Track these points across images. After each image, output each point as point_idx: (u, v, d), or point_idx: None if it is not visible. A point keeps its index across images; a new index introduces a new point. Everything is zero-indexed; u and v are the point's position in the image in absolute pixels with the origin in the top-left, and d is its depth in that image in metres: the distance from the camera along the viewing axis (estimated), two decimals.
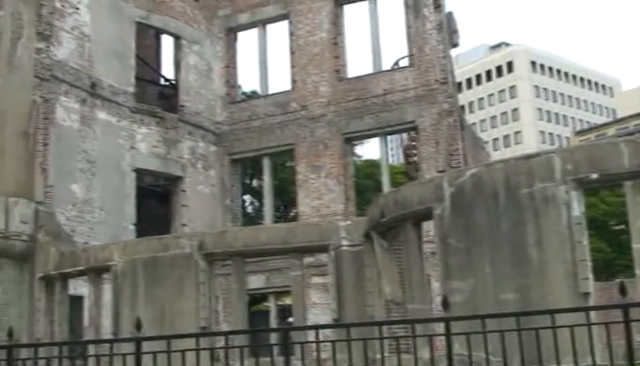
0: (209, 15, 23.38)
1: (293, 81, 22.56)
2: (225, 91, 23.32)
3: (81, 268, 14.26)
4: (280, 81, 23.50)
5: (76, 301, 15.65)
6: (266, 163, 22.90)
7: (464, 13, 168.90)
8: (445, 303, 5.81)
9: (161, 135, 20.79)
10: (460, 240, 10.15)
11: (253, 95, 28.13)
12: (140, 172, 20.19)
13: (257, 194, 34.68)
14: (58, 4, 18.52)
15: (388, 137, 22.92)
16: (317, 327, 6.51)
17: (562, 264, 9.46)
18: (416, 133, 21.48)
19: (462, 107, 73.33)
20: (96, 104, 18.99)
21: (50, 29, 18.13)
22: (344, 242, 12.77)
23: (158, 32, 23.67)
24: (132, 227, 19.11)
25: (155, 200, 21.81)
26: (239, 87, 26.19)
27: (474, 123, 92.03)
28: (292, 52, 22.71)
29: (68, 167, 17.85)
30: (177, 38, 22.48)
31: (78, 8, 19.10)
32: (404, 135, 26.39)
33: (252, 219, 33.37)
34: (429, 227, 11.47)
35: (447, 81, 20.80)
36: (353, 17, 23.39)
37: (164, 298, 12.98)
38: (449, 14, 21.65)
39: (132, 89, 20.22)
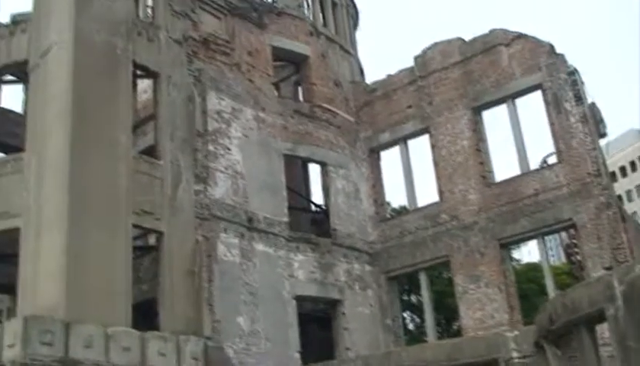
0: (351, 139, 24.10)
1: (441, 192, 22.54)
2: (374, 210, 23.61)
3: None
4: (428, 193, 23.50)
5: None
6: (422, 278, 22.66)
7: (606, 101, 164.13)
8: None
9: (317, 260, 21.17)
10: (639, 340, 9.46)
11: (402, 211, 28.28)
12: (300, 299, 20.50)
13: (417, 309, 34.16)
14: (211, 148, 19.78)
15: (547, 238, 22.17)
16: None
17: None
18: (575, 231, 20.67)
19: (620, 197, 69.98)
20: (254, 237, 19.75)
21: (206, 171, 19.33)
22: (514, 354, 12.27)
23: (305, 161, 24.63)
24: (297, 355, 19.26)
25: (317, 325, 21.96)
26: (388, 204, 26.48)
27: (635, 212, 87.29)
28: (436, 164, 22.83)
29: (232, 301, 18.46)
30: (323, 165, 23.24)
31: (229, 149, 20.29)
32: (564, 233, 25.46)
33: (414, 336, 32.74)
34: (603, 329, 10.81)
35: (600, 173, 20.08)
36: (494, 120, 23.32)
37: None
38: (592, 104, 21.15)
39: (286, 219, 20.91)
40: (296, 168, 25.34)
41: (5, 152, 19.00)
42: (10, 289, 18.16)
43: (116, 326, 15.37)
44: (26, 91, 20.33)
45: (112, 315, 15.64)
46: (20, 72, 18.98)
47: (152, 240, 19.24)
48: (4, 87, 20.41)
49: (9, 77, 19.98)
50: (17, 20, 18.75)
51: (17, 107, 21.38)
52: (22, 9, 19.02)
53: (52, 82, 17.19)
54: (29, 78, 18.20)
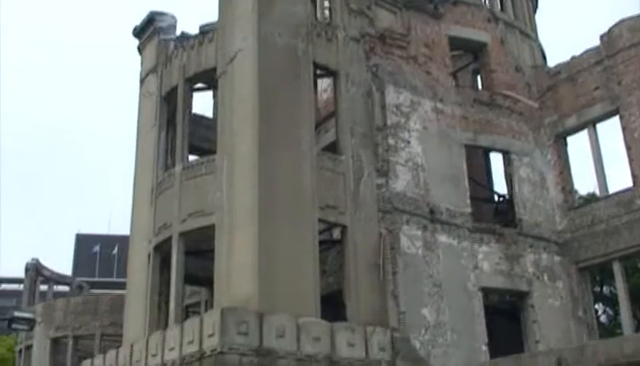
0: (534, 126, 23.27)
1: (634, 177, 21.21)
2: (562, 199, 22.67)
3: None
4: (620, 178, 22.22)
5: None
6: (616, 268, 21.42)
7: None
8: None
9: (503, 251, 20.68)
10: None
11: (592, 198, 26.94)
12: (486, 291, 20.17)
13: (609, 301, 32.41)
14: (391, 141, 19.93)
15: None
16: None
17: None
18: None
19: None
20: (436, 229, 19.67)
21: (387, 164, 19.51)
22: None
23: (487, 150, 24.14)
24: (484, 348, 18.98)
25: (504, 318, 21.49)
26: (576, 192, 25.33)
27: None
28: (628, 147, 21.50)
29: (416, 292, 18.54)
30: (505, 153, 22.66)
31: (409, 142, 20.34)
32: None
33: (607, 329, 31.08)
34: None
35: None
36: None
37: None
38: None
39: (468, 210, 20.62)
40: (477, 158, 24.88)
41: (200, 155, 20.26)
42: (207, 282, 19.40)
43: (305, 317, 15.98)
44: (215, 96, 21.55)
45: (302, 306, 16.26)
46: (210, 79, 20.12)
47: (336, 234, 19.74)
48: (195, 94, 21.69)
49: (199, 84, 21.21)
50: (205, 31, 19.93)
51: (208, 113, 22.69)
52: (209, 19, 20.18)
53: (240, 87, 18.11)
54: (218, 85, 19.29)
